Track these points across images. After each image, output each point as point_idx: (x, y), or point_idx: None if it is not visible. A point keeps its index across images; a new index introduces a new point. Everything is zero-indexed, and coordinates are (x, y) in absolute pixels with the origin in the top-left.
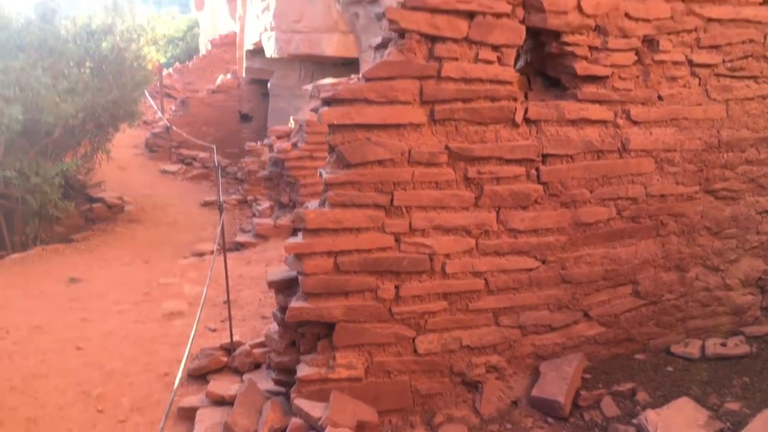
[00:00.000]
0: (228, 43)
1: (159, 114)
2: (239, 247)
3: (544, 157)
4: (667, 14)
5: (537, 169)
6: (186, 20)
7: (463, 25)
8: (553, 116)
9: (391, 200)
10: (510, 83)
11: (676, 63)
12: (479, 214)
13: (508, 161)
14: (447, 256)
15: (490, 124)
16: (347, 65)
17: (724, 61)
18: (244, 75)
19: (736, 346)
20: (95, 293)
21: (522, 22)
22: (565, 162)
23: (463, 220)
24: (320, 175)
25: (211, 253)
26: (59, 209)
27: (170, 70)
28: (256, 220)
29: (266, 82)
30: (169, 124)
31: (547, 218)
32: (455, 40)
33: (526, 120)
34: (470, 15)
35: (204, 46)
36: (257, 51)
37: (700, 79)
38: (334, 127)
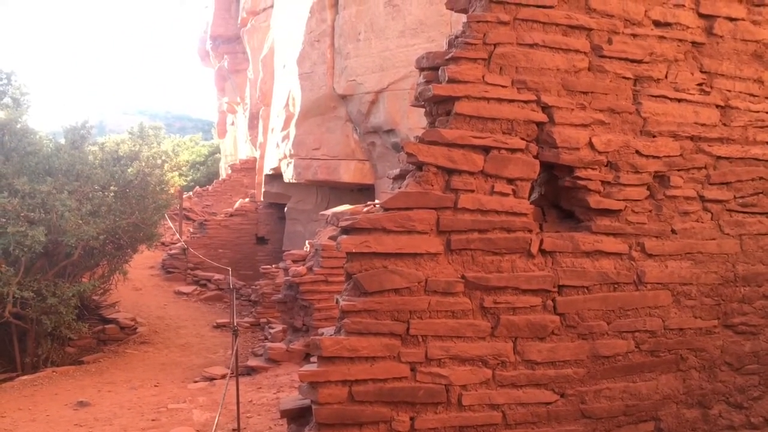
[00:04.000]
0: (247, 168)
1: (177, 236)
2: (251, 371)
3: (560, 288)
4: (676, 152)
5: (553, 300)
6: (208, 146)
7: (478, 159)
8: (569, 248)
9: (407, 329)
10: (525, 215)
11: (688, 198)
12: (496, 345)
13: (525, 291)
14: (463, 387)
15: (506, 255)
16: (363, 191)
17: (735, 197)
18: (262, 199)
19: None
20: (102, 418)
21: (536, 157)
22: (581, 293)
23: (480, 350)
24: (337, 302)
25: (222, 377)
26: (73, 330)
27: (191, 193)
28: (268, 344)
29: (283, 205)
30: (185, 246)
31: (564, 350)
32: (471, 173)
33: (542, 251)
34: (485, 150)
35: (224, 171)
36: (276, 176)
37: (712, 214)
38: (352, 255)
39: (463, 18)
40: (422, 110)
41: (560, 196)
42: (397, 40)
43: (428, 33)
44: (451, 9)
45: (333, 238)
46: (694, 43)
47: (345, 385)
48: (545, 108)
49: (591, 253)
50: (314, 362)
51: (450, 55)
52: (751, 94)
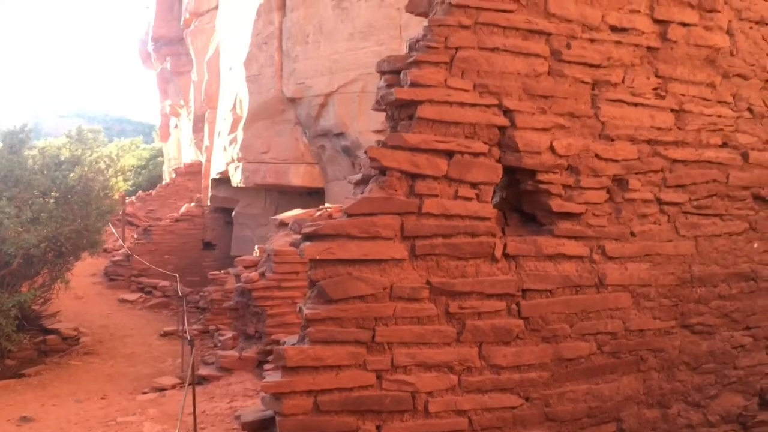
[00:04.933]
0: (192, 171)
1: (120, 242)
2: (202, 380)
3: (524, 292)
4: (634, 155)
5: (518, 304)
6: (149, 149)
7: (442, 163)
8: (532, 251)
9: (373, 336)
10: (489, 219)
11: (645, 201)
12: (461, 350)
13: (489, 296)
14: (430, 394)
15: (470, 259)
16: (313, 195)
17: (690, 200)
18: (209, 203)
19: None
20: None
21: (498, 161)
22: (545, 297)
23: (446, 356)
24: (300, 310)
25: (173, 387)
26: (13, 342)
27: (133, 198)
28: (220, 352)
29: (231, 210)
30: (129, 253)
31: (529, 354)
32: (435, 178)
33: (506, 255)
34: (449, 154)
35: (168, 175)
36: (223, 180)
37: (669, 216)
38: (315, 262)
39: (413, 22)
40: (371, 113)
41: (522, 200)
42: (346, 42)
43: (378, 36)
44: (411, 12)
45: (294, 244)
46: (649, 48)
47: (310, 396)
48: (507, 112)
49: (553, 256)
50: (269, 370)
51: (412, 59)
52: (704, 98)
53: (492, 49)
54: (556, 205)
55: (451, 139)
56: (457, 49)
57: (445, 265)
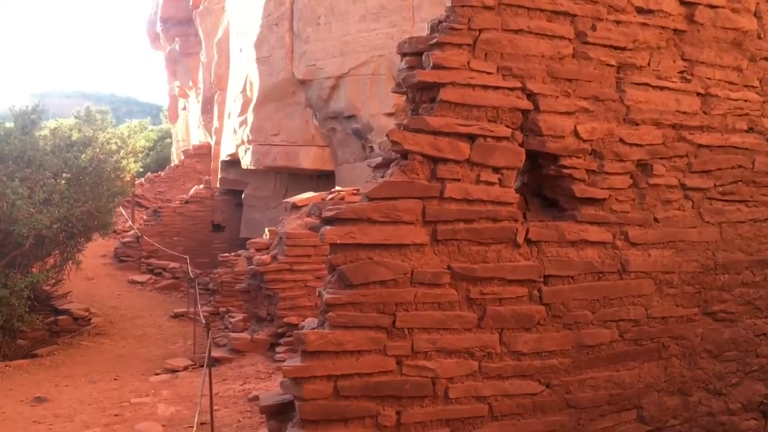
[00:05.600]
0: (201, 153)
1: (129, 223)
2: (214, 362)
3: (546, 278)
4: (659, 140)
5: (539, 290)
6: (156, 131)
7: (464, 147)
8: (554, 237)
9: (393, 322)
10: (511, 204)
11: (669, 186)
12: (482, 336)
13: (510, 282)
14: (450, 380)
15: (491, 245)
16: (322, 177)
17: (715, 186)
18: (218, 185)
19: None
20: (62, 414)
21: (521, 145)
22: (566, 283)
23: (466, 342)
24: (319, 294)
25: (185, 369)
26: (25, 323)
27: (142, 179)
28: (232, 335)
29: (240, 192)
30: (139, 234)
31: (550, 340)
32: (457, 162)
33: (527, 241)
34: (471, 138)
35: (177, 156)
36: (232, 162)
37: (693, 202)
38: (336, 247)
39: (425, 3)
40: (383, 96)
41: (544, 185)
42: (358, 24)
43: (390, 18)
44: None
45: (314, 228)
46: (675, 31)
47: (330, 380)
48: (530, 95)
49: (576, 242)
50: (281, 353)
51: (434, 41)
52: (731, 82)
53: (516, 31)
54: (579, 190)
55: (474, 122)
56: (480, 30)
57: (467, 250)
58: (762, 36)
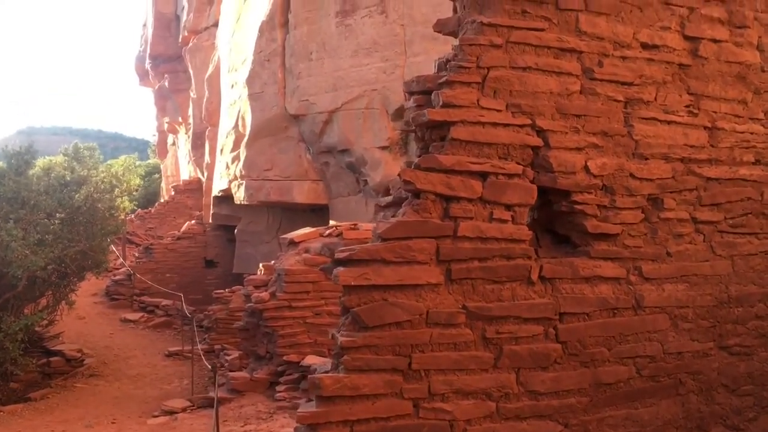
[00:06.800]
0: (191, 189)
1: (121, 261)
2: (213, 403)
3: (561, 316)
4: (668, 174)
5: (555, 328)
6: (144, 166)
7: (477, 185)
8: (568, 274)
9: (410, 364)
10: (524, 241)
11: (681, 220)
12: (499, 376)
13: (526, 320)
14: (468, 422)
15: (506, 283)
16: (316, 211)
17: (725, 219)
18: (210, 221)
19: None
20: None
21: (532, 181)
22: (582, 320)
23: (483, 382)
24: (332, 337)
25: (183, 410)
26: (19, 366)
27: (132, 215)
28: (230, 374)
29: (232, 227)
30: (131, 271)
31: (567, 379)
32: (470, 200)
33: (541, 278)
34: (483, 176)
35: (166, 192)
36: (225, 197)
37: (704, 235)
38: (349, 288)
39: (417, 38)
40: (376, 129)
41: (555, 221)
42: (350, 59)
43: (382, 53)
44: (439, 31)
45: (326, 270)
46: (680, 65)
47: (346, 426)
48: (540, 132)
49: (590, 278)
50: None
51: (443, 79)
52: (736, 115)
53: (524, 68)
54: (591, 226)
55: (485, 160)
56: (489, 68)
57: (481, 289)
58: (765, 69)
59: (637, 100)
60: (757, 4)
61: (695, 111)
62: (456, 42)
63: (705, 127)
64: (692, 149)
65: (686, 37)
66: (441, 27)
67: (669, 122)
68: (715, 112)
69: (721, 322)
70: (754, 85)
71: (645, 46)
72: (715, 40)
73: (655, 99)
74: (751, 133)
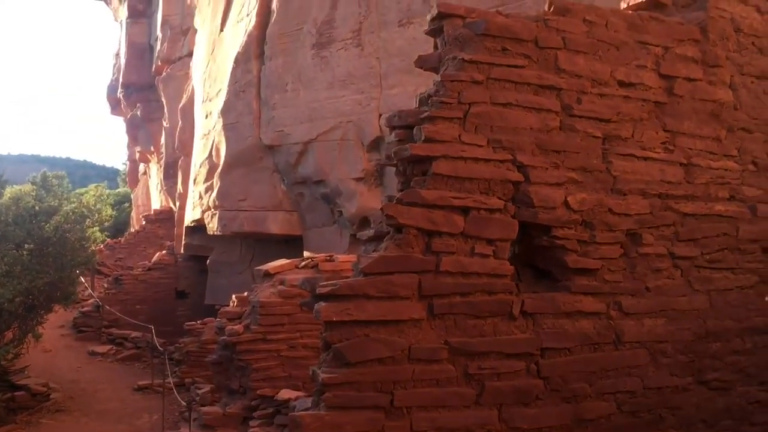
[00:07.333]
0: (163, 219)
1: (89, 292)
2: None
3: (543, 351)
4: (646, 210)
5: (537, 363)
6: (114, 195)
7: (459, 220)
8: (549, 309)
9: (392, 401)
10: (506, 276)
11: (659, 255)
12: (481, 413)
13: (509, 356)
14: None
15: (488, 318)
16: (290, 242)
17: (702, 254)
18: (182, 251)
19: None
20: None
21: (513, 216)
22: (563, 355)
23: (466, 419)
24: (313, 374)
25: None
26: None
27: (101, 245)
28: (203, 409)
29: (204, 258)
30: (100, 303)
31: (549, 415)
32: (452, 235)
33: (523, 313)
34: (465, 211)
35: (136, 221)
36: (197, 228)
37: (682, 270)
38: (331, 324)
39: (392, 70)
40: (352, 161)
41: (535, 256)
42: (326, 91)
43: (358, 84)
44: (421, 67)
45: (307, 305)
46: (656, 103)
47: None
48: (521, 167)
49: (571, 313)
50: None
51: (425, 114)
52: (711, 152)
53: (504, 105)
54: (572, 260)
55: (467, 195)
56: (470, 104)
57: (463, 324)
58: (738, 107)
59: (615, 136)
60: (729, 45)
61: (671, 148)
62: (437, 78)
63: (681, 164)
64: (669, 185)
65: (662, 76)
66: (422, 63)
67: (646, 158)
68: (691, 149)
69: (700, 357)
70: (728, 123)
71: (622, 84)
72: (689, 79)
73: (633, 135)
74: (726, 170)
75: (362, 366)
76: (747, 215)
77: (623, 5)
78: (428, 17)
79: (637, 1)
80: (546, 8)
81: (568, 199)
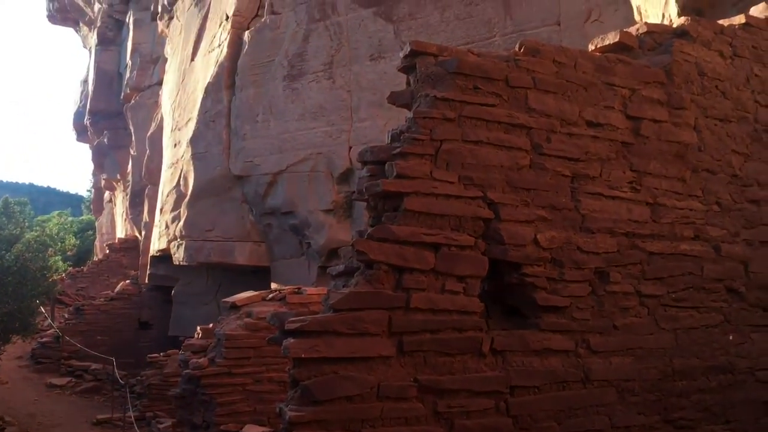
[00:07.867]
0: (127, 247)
1: (49, 322)
2: None
3: (512, 389)
4: (614, 248)
5: (506, 402)
6: (78, 222)
7: (429, 256)
8: (518, 346)
9: None
10: (476, 313)
11: (626, 294)
12: None
13: (478, 394)
14: None
15: (457, 355)
16: (257, 273)
17: (668, 292)
18: (147, 281)
19: None
20: None
21: (484, 253)
22: (532, 393)
23: None
24: (279, 412)
25: None
26: None
27: (62, 274)
28: None
29: (169, 288)
30: (59, 333)
31: None
32: (422, 271)
33: (492, 350)
34: (435, 247)
35: (100, 250)
36: (163, 257)
37: (648, 309)
38: (299, 361)
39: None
40: (321, 193)
41: (505, 293)
42: (296, 122)
43: (328, 117)
44: (393, 103)
45: (275, 341)
46: (623, 143)
47: None
48: (491, 204)
49: (540, 351)
50: None
51: (397, 150)
52: (676, 192)
53: (476, 142)
54: (541, 298)
55: (438, 231)
56: (442, 141)
57: (433, 361)
58: (702, 149)
59: (584, 175)
60: (694, 88)
61: (638, 187)
62: (410, 114)
63: (647, 203)
64: (636, 224)
65: (628, 117)
66: (395, 99)
67: (613, 197)
68: (657, 189)
69: (666, 396)
70: (692, 164)
71: (590, 124)
72: (655, 120)
73: (600, 174)
74: (691, 210)
75: (330, 404)
76: (711, 255)
77: (591, 47)
78: (401, 54)
79: (604, 44)
80: (517, 48)
81: (538, 236)
